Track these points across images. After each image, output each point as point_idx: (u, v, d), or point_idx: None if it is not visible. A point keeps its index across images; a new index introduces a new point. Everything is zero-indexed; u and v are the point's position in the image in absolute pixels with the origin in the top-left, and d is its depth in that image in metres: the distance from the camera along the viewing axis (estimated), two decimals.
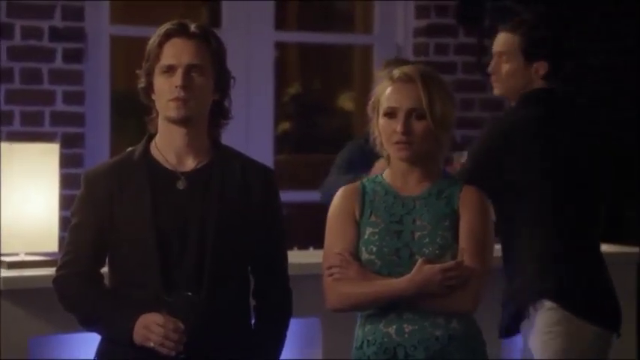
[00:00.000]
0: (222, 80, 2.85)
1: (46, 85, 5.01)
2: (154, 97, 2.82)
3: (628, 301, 4.33)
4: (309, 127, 6.94)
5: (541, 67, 3.60)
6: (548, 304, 3.45)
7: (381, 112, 2.87)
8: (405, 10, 5.77)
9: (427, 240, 2.84)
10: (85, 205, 2.83)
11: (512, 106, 3.68)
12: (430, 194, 2.89)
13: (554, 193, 3.50)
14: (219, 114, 2.89)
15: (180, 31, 2.79)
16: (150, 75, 2.80)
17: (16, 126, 4.94)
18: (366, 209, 2.90)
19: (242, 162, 2.90)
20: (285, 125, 6.81)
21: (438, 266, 2.79)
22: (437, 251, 2.83)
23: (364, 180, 2.98)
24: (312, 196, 6.26)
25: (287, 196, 5.85)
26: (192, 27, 2.80)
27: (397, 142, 2.85)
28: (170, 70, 2.78)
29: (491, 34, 5.67)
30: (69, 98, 5.06)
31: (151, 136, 2.87)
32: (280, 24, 6.15)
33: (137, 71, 2.84)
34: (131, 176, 2.81)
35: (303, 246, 4.59)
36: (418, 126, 2.84)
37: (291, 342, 3.93)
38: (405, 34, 5.77)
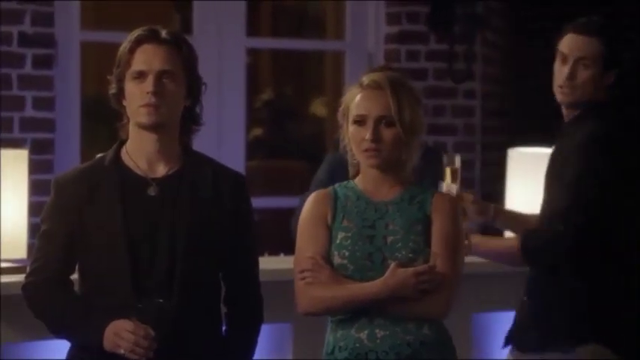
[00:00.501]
0: (193, 86, 2.85)
1: (15, 91, 4.97)
2: (124, 102, 2.82)
3: None
4: (281, 133, 6.94)
5: (611, 76, 3.31)
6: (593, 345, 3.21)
7: (351, 119, 2.88)
8: (377, 16, 5.78)
9: (399, 244, 2.85)
10: (55, 212, 2.82)
11: (576, 118, 3.37)
12: (402, 199, 2.90)
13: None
14: (190, 120, 2.88)
15: (152, 37, 2.79)
16: (121, 81, 2.80)
17: None
18: (338, 214, 2.91)
19: (213, 168, 2.90)
20: (258, 131, 6.81)
21: (411, 270, 2.80)
22: (409, 255, 2.83)
23: (336, 186, 2.98)
24: (284, 202, 6.26)
25: (259, 202, 5.89)
26: (164, 33, 2.81)
27: (366, 150, 2.86)
28: (141, 76, 2.77)
29: (463, 41, 5.75)
30: (39, 104, 5.03)
31: (122, 143, 2.87)
32: (253, 30, 6.16)
33: (108, 77, 2.84)
34: (101, 182, 2.81)
35: (275, 252, 4.58)
36: (387, 133, 2.86)
37: (262, 348, 3.92)
38: (377, 40, 5.78)
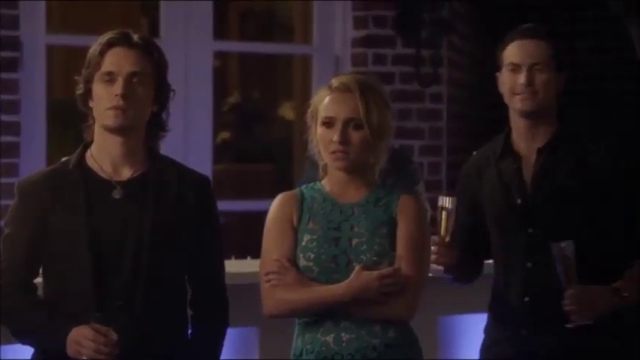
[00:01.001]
0: (161, 92, 2.85)
1: None
2: (91, 104, 2.81)
3: None
4: (249, 137, 6.94)
5: (561, 79, 3.23)
6: None
7: (319, 121, 2.89)
8: (344, 20, 5.79)
9: (365, 247, 2.85)
10: (18, 216, 2.82)
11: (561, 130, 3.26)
12: (368, 202, 2.91)
13: None
14: (156, 126, 2.88)
15: (123, 40, 2.79)
16: (89, 82, 2.80)
17: None
18: (304, 216, 2.91)
19: (178, 171, 2.89)
20: (225, 135, 6.81)
21: (375, 272, 2.80)
22: (374, 258, 2.84)
23: (302, 187, 2.99)
24: (251, 205, 6.26)
25: (226, 205, 5.89)
26: (135, 37, 2.81)
27: (334, 152, 2.86)
28: (110, 77, 2.77)
29: (429, 45, 5.78)
30: (4, 107, 5.00)
31: (87, 145, 2.86)
32: (221, 34, 6.15)
33: (76, 77, 2.83)
34: (65, 186, 2.80)
35: (242, 255, 4.58)
36: (355, 136, 2.86)
37: (229, 351, 3.92)
38: (344, 44, 5.79)
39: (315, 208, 2.92)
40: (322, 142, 2.88)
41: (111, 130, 2.80)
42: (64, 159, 2.89)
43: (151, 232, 2.77)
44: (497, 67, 3.27)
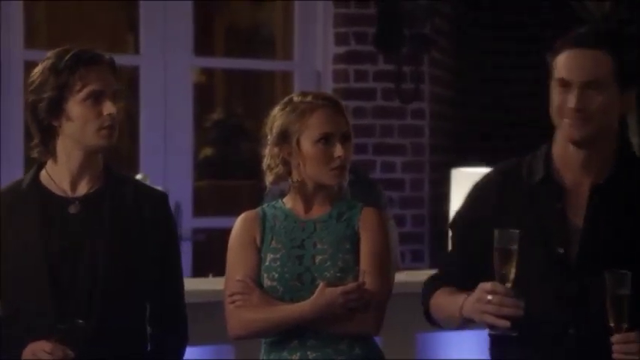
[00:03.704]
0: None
1: None
2: (56, 123, 2.77)
3: None
4: (231, 153, 6.91)
5: (630, 97, 2.58)
6: None
7: (312, 138, 2.85)
8: (325, 36, 5.79)
9: (328, 263, 2.83)
10: None
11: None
12: (330, 217, 2.89)
13: None
14: None
15: (97, 58, 2.75)
16: (61, 102, 2.74)
17: None
18: (266, 235, 2.89)
19: (135, 187, 2.87)
20: (208, 151, 6.78)
21: (339, 288, 2.78)
22: (338, 274, 2.81)
23: (264, 206, 2.96)
24: (233, 222, 6.23)
25: (208, 222, 5.87)
26: (106, 55, 2.78)
27: (336, 169, 2.85)
28: (97, 97, 2.73)
29: (411, 61, 5.77)
30: None
31: (41, 166, 2.83)
32: (207, 50, 6.14)
33: (32, 98, 2.77)
34: (18, 205, 2.78)
35: (223, 272, 4.55)
36: (347, 150, 2.87)
37: None
38: (325, 60, 5.79)
39: (277, 226, 2.89)
40: (318, 159, 2.85)
41: (100, 150, 2.77)
42: (17, 179, 2.86)
43: (106, 247, 2.74)
44: (549, 75, 2.64)
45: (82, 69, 2.72)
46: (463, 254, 2.69)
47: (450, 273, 2.73)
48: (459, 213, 2.74)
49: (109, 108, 2.73)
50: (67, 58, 2.74)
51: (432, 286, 2.79)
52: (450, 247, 2.79)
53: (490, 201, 2.64)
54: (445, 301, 2.70)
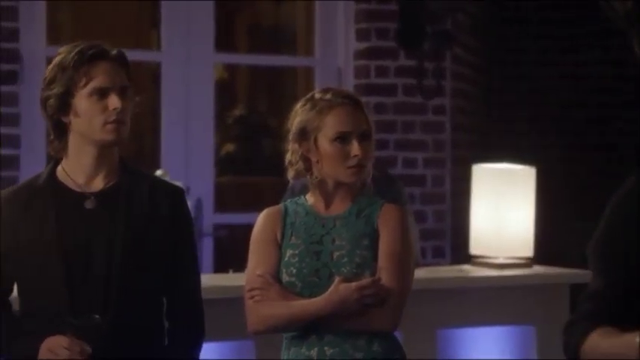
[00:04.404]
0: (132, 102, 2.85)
1: None
2: (66, 119, 2.79)
3: None
4: (253, 149, 6.93)
5: None
6: None
7: (329, 137, 2.86)
8: (346, 32, 5.78)
9: (345, 259, 2.83)
10: None
11: None
12: (350, 213, 2.89)
13: None
14: None
15: (104, 53, 2.77)
16: (68, 97, 2.76)
17: None
18: (286, 231, 2.90)
19: (151, 182, 2.88)
20: (230, 147, 6.80)
21: (354, 284, 2.78)
22: (354, 270, 2.81)
23: (287, 202, 2.97)
24: (255, 218, 6.23)
25: (229, 218, 5.87)
26: (114, 51, 2.79)
27: (353, 167, 2.85)
28: (103, 92, 2.75)
29: (432, 57, 5.75)
30: (4, 120, 5.00)
31: (57, 162, 2.84)
32: (230, 47, 6.15)
33: (47, 93, 2.79)
34: (35, 201, 2.79)
35: (243, 268, 4.56)
36: (367, 147, 2.87)
37: None
38: (346, 56, 5.78)
39: (297, 222, 2.90)
40: (334, 158, 2.86)
41: (108, 145, 2.78)
42: (35, 175, 2.88)
43: (122, 242, 2.75)
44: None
45: (86, 64, 2.74)
46: (614, 285, 2.26)
47: (600, 311, 2.27)
48: (598, 238, 2.33)
49: (114, 103, 2.74)
50: (72, 54, 2.76)
51: (579, 330, 2.29)
52: (593, 281, 2.33)
53: (637, 216, 2.25)
54: (608, 345, 2.23)
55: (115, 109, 2.74)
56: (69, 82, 2.75)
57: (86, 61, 2.75)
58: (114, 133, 2.76)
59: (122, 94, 2.77)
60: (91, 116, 2.76)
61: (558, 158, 6.49)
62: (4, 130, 5.01)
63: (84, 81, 2.75)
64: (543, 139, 6.65)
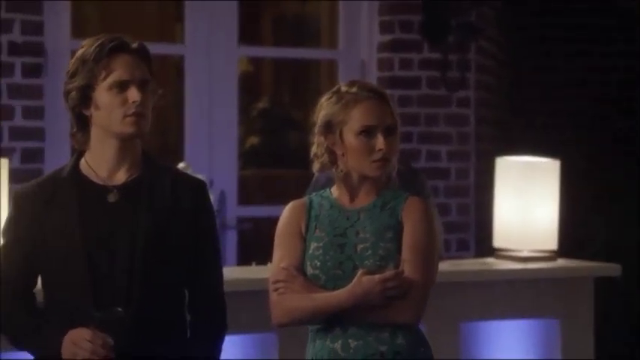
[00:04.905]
0: (155, 95, 2.85)
1: (5, 100, 4.96)
2: (87, 112, 2.79)
3: None
4: (277, 142, 6.93)
5: None
6: None
7: (355, 130, 2.85)
8: (370, 25, 5.76)
9: (369, 252, 2.82)
10: (14, 225, 2.82)
11: None
12: (375, 206, 2.88)
13: None
14: None
15: (124, 46, 2.78)
16: (88, 90, 2.77)
17: None
18: (311, 224, 2.90)
19: (173, 175, 2.88)
20: (254, 140, 6.80)
21: (377, 277, 2.77)
22: (378, 263, 2.81)
23: (313, 194, 2.97)
24: (279, 211, 6.24)
25: (253, 210, 5.88)
26: (135, 43, 2.79)
27: (377, 161, 2.85)
28: (122, 85, 2.75)
29: (457, 49, 5.72)
30: (28, 113, 5.02)
31: (80, 154, 2.85)
32: (255, 39, 6.15)
33: (66, 87, 2.80)
34: (59, 193, 2.80)
35: (265, 261, 4.57)
36: (392, 142, 2.86)
37: (248, 358, 3.92)
38: (370, 49, 5.76)
39: (321, 215, 2.90)
40: (359, 151, 2.85)
41: (128, 138, 2.78)
42: (58, 167, 2.89)
43: (144, 235, 2.76)
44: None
45: (106, 57, 2.74)
46: None
47: None
48: None
49: (134, 96, 2.74)
50: (94, 47, 2.76)
51: None
52: None
53: None
54: None
55: (134, 101, 2.74)
56: (89, 75, 2.75)
57: (106, 54, 2.75)
58: (134, 126, 2.76)
59: (142, 87, 2.77)
60: (110, 109, 2.76)
61: (583, 151, 6.46)
62: (29, 124, 5.02)
63: (104, 74, 2.75)
64: (567, 132, 6.61)
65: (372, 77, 5.69)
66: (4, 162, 3.65)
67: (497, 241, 4.61)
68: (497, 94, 6.34)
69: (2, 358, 3.41)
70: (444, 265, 4.21)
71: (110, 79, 2.75)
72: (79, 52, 2.79)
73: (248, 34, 5.91)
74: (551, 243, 4.54)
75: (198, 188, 2.87)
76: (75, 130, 2.83)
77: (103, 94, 2.76)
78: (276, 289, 2.85)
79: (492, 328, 4.37)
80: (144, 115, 2.77)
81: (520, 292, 4.39)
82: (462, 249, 5.76)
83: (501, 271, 4.45)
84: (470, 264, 4.70)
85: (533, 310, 4.41)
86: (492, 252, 4.66)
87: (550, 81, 6.68)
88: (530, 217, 4.51)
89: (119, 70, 2.75)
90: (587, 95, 6.65)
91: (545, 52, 6.70)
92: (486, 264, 4.56)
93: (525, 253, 4.54)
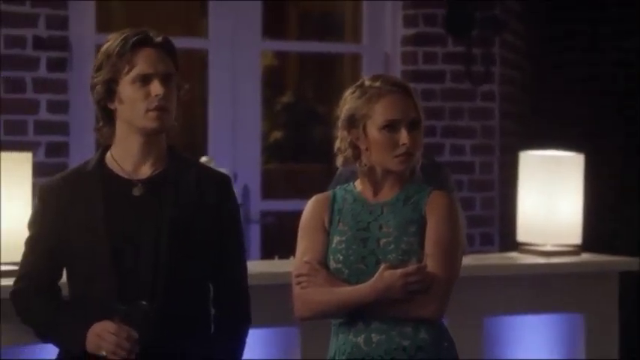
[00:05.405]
0: (179, 89, 2.84)
1: (30, 94, 4.99)
2: (112, 106, 2.80)
3: None
4: (301, 136, 6.93)
5: None
6: None
7: (377, 124, 2.84)
8: (394, 19, 5.75)
9: (392, 246, 2.82)
10: (40, 218, 2.84)
11: None
12: (398, 200, 2.88)
13: None
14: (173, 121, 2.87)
15: (148, 40, 2.78)
16: (112, 84, 2.78)
17: (0, 135, 4.93)
18: (334, 217, 2.89)
19: (198, 169, 2.89)
20: (278, 134, 6.80)
21: (399, 271, 2.76)
22: (400, 257, 2.80)
23: (337, 188, 2.97)
24: (303, 205, 6.24)
25: (276, 204, 5.89)
26: (158, 37, 2.80)
27: (400, 155, 2.84)
28: (145, 79, 2.76)
29: (481, 43, 5.71)
30: (53, 107, 5.04)
31: (106, 148, 2.86)
32: (281, 34, 6.15)
33: (95, 80, 2.82)
34: (84, 187, 2.81)
35: (288, 255, 4.57)
36: (416, 136, 2.85)
37: (270, 352, 3.93)
38: (393, 42, 5.75)
39: (345, 209, 2.90)
40: (383, 146, 2.84)
41: (152, 132, 2.79)
42: (84, 161, 2.90)
43: (169, 230, 2.76)
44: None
45: (129, 51, 2.75)
46: None
47: None
48: None
49: (156, 89, 2.75)
50: (118, 41, 2.77)
51: None
52: None
53: None
54: None
55: (156, 95, 2.75)
56: (114, 69, 2.77)
57: (130, 48, 2.76)
58: (157, 121, 2.77)
59: (165, 81, 2.77)
60: (133, 103, 2.77)
61: (607, 145, 6.43)
62: (53, 118, 5.05)
63: (127, 68, 2.76)
64: (592, 126, 6.58)
65: (396, 71, 5.67)
66: (28, 156, 3.67)
67: (521, 236, 4.59)
68: (522, 87, 6.31)
69: (2, 357, 3.43)
70: (468, 260, 4.20)
71: (133, 73, 2.76)
72: (104, 47, 2.80)
73: (274, 29, 5.90)
74: (575, 237, 4.53)
75: (223, 183, 2.88)
76: (101, 124, 2.84)
77: (126, 88, 2.77)
78: (299, 283, 2.84)
79: (516, 322, 4.36)
80: (166, 109, 2.77)
81: (544, 287, 4.38)
82: (486, 243, 5.74)
83: (525, 265, 4.43)
84: (493, 258, 4.69)
85: (557, 304, 4.39)
86: (516, 246, 4.65)
87: (574, 75, 6.65)
88: (554, 212, 4.49)
89: (142, 64, 2.76)
90: (612, 89, 6.61)
91: (569, 46, 6.67)
92: (510, 258, 4.55)
93: (549, 248, 4.52)
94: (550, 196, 4.50)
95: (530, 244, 4.55)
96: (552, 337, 4.42)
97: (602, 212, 5.57)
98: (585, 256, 4.53)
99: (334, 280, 2.82)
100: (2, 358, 3.38)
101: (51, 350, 2.95)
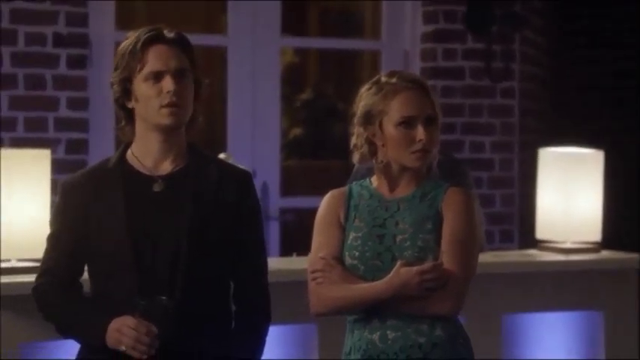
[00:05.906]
0: (198, 85, 2.84)
1: (49, 91, 5.01)
2: (129, 105, 2.81)
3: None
4: (320, 133, 6.93)
5: None
6: None
7: (394, 121, 2.83)
8: (413, 15, 5.74)
9: (408, 243, 2.81)
10: (62, 215, 2.84)
11: None
12: (414, 196, 2.87)
13: None
14: (193, 120, 2.87)
15: (160, 37, 2.78)
16: (127, 82, 2.79)
17: (20, 132, 4.95)
18: (350, 213, 2.89)
19: (218, 166, 2.89)
20: (297, 131, 6.80)
21: (415, 268, 2.75)
22: (416, 254, 2.79)
23: (353, 184, 2.96)
24: (320, 202, 6.23)
25: (295, 201, 5.89)
26: (170, 33, 2.80)
27: (417, 152, 2.83)
28: (157, 76, 2.76)
29: (501, 40, 5.69)
30: (73, 104, 5.06)
31: (127, 145, 2.87)
32: (298, 31, 6.14)
33: (112, 80, 2.83)
34: (105, 183, 2.82)
35: (306, 252, 4.57)
36: (433, 132, 2.84)
37: (288, 348, 3.93)
38: (413, 39, 5.74)
39: (361, 205, 2.89)
40: (399, 142, 2.83)
41: (167, 128, 2.79)
42: (105, 158, 2.91)
43: (189, 226, 2.76)
44: None
45: (141, 49, 2.75)
46: None
47: None
48: None
49: (168, 85, 2.74)
50: (131, 39, 2.78)
51: None
52: None
53: None
54: None
55: (168, 91, 2.74)
56: (127, 68, 2.78)
57: (141, 45, 2.76)
58: (170, 117, 2.76)
59: (179, 77, 2.77)
60: (147, 100, 2.77)
61: (627, 142, 6.40)
62: (73, 115, 5.07)
63: (139, 66, 2.76)
64: (611, 123, 6.55)
65: (416, 68, 5.67)
66: (47, 153, 3.69)
67: (540, 233, 4.58)
68: (541, 84, 6.29)
69: (22, 355, 3.45)
70: (486, 257, 4.19)
71: (145, 70, 2.76)
72: (121, 45, 2.81)
73: (293, 25, 5.90)
74: (595, 234, 4.51)
75: (244, 180, 2.87)
76: (123, 123, 2.85)
77: (140, 86, 2.77)
78: (314, 279, 2.84)
79: (535, 320, 4.35)
80: (180, 106, 2.77)
81: (563, 284, 4.36)
82: (505, 240, 5.73)
83: (544, 262, 4.42)
84: (512, 255, 4.68)
85: (576, 302, 4.38)
86: (536, 244, 4.63)
87: (594, 71, 6.62)
88: (574, 209, 4.47)
89: (153, 61, 2.76)
90: (632, 86, 6.58)
91: (590, 43, 6.64)
92: (529, 255, 4.53)
93: (568, 245, 4.51)
94: (569, 193, 4.48)
95: (550, 242, 4.54)
96: (571, 335, 4.40)
97: (621, 209, 5.54)
98: (605, 254, 4.51)
99: (349, 276, 2.81)
100: (22, 356, 3.40)
101: (69, 348, 2.96)
